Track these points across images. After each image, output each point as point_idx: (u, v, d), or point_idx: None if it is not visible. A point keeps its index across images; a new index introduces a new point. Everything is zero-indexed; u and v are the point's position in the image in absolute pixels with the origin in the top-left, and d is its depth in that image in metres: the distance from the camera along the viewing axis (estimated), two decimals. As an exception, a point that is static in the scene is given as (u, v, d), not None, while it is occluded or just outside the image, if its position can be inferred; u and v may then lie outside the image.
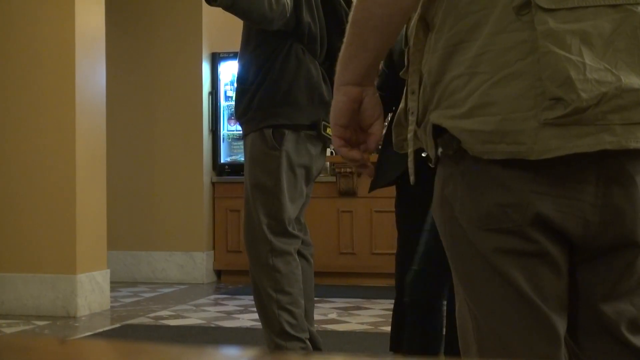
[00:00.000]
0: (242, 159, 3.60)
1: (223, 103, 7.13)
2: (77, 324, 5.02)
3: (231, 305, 5.71)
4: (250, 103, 3.19)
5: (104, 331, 4.77)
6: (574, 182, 1.23)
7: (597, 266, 1.28)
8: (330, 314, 5.22)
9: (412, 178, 1.37)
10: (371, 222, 6.53)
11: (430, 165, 1.34)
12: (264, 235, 3.18)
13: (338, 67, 1.38)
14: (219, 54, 7.06)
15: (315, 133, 3.23)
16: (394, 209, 3.13)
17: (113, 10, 6.47)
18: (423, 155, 1.34)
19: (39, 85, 5.28)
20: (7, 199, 5.34)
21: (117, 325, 4.95)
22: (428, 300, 2.83)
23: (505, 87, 1.20)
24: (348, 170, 6.43)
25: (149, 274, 6.95)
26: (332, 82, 1.44)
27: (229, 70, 6.95)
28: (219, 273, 7.05)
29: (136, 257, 6.99)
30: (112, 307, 5.56)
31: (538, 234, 1.24)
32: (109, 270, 5.57)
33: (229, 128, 7.15)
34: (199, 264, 6.89)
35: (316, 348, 3.29)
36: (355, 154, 1.40)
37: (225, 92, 7.14)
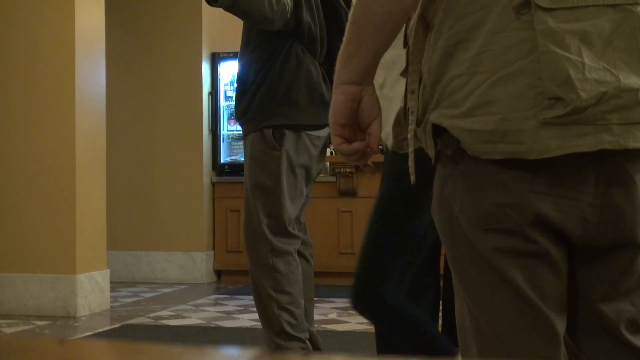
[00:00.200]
0: (242, 159, 3.61)
1: (223, 103, 7.12)
2: (77, 324, 5.02)
3: (231, 305, 5.71)
4: (251, 103, 3.20)
5: (103, 331, 4.77)
6: (573, 182, 1.23)
7: (597, 266, 1.28)
8: (330, 314, 5.22)
9: (412, 178, 1.37)
10: (371, 222, 6.52)
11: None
12: (264, 235, 3.18)
13: (337, 66, 1.38)
14: (219, 54, 7.06)
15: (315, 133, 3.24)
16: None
17: (113, 10, 6.47)
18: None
19: (39, 85, 5.28)
20: (7, 199, 5.34)
21: (117, 325, 4.95)
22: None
23: (504, 87, 1.20)
24: (348, 170, 6.43)
25: (148, 274, 6.95)
26: (332, 82, 1.44)
27: (229, 70, 6.94)
28: (218, 273, 7.05)
29: (136, 257, 6.99)
30: (112, 307, 5.56)
31: (538, 234, 1.24)
32: (108, 270, 5.57)
33: (229, 128, 7.15)
34: (198, 264, 6.89)
35: (316, 348, 3.29)
36: (356, 145, 1.40)
37: (225, 92, 7.14)
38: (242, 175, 3.41)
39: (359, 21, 1.33)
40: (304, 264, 3.32)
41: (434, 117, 1.27)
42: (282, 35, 3.15)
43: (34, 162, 5.27)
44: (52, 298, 5.21)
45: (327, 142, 3.34)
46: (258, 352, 0.58)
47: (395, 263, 2.45)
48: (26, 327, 4.87)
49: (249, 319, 5.04)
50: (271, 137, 3.17)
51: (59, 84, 5.24)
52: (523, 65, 1.20)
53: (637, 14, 1.20)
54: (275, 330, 3.17)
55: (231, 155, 7.13)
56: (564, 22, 1.19)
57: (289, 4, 3.08)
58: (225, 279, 6.99)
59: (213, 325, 4.93)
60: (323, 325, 4.74)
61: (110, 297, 5.61)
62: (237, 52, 3.44)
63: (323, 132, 3.27)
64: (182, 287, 6.68)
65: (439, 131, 1.28)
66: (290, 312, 3.15)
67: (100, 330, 4.82)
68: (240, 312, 5.39)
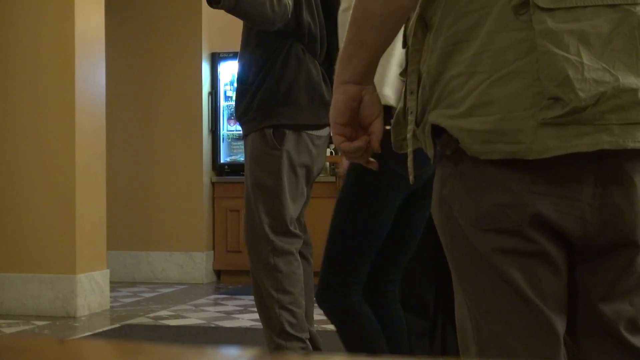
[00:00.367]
0: (242, 159, 3.61)
1: (223, 103, 7.12)
2: (76, 324, 5.02)
3: (231, 305, 5.71)
4: (251, 103, 3.20)
5: (103, 331, 4.77)
6: (572, 182, 1.23)
7: (596, 266, 1.28)
8: (330, 314, 5.22)
9: (411, 178, 1.38)
10: (371, 222, 6.52)
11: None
12: (265, 234, 3.19)
13: (337, 66, 1.38)
14: (219, 54, 7.06)
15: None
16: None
17: (113, 10, 6.47)
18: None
19: (38, 86, 5.28)
20: (7, 199, 5.34)
21: (117, 325, 4.95)
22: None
23: (503, 87, 1.21)
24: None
25: (148, 274, 6.95)
26: (332, 82, 1.45)
27: (229, 70, 6.94)
28: (218, 273, 7.05)
29: (136, 257, 6.99)
30: (111, 307, 5.56)
31: (537, 234, 1.24)
32: (108, 271, 5.57)
33: (229, 128, 7.15)
34: (198, 264, 6.89)
35: (316, 348, 3.30)
36: (357, 143, 1.40)
37: (225, 92, 7.14)
38: (242, 175, 3.41)
39: (358, 21, 1.33)
40: (305, 264, 3.32)
41: (433, 117, 1.27)
42: (282, 35, 3.15)
43: (34, 162, 5.27)
44: (51, 298, 5.21)
45: (327, 142, 3.35)
46: (258, 352, 0.58)
47: (358, 260, 2.41)
48: (26, 327, 4.87)
49: (249, 319, 5.04)
50: (272, 137, 3.17)
51: (58, 84, 5.24)
52: (522, 65, 1.20)
53: (636, 14, 1.20)
54: (275, 330, 3.17)
55: (231, 155, 7.13)
56: (563, 22, 1.19)
57: (290, 4, 3.09)
58: (225, 279, 6.99)
59: (213, 325, 4.93)
60: (323, 325, 4.74)
61: (110, 297, 5.61)
62: (237, 52, 3.45)
63: (324, 132, 3.27)
64: (182, 287, 6.68)
65: (438, 131, 1.28)
66: (291, 312, 3.15)
67: (100, 330, 4.82)
68: (240, 312, 5.39)
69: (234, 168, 6.90)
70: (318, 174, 3.40)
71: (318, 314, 4.70)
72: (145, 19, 7.02)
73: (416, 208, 2.48)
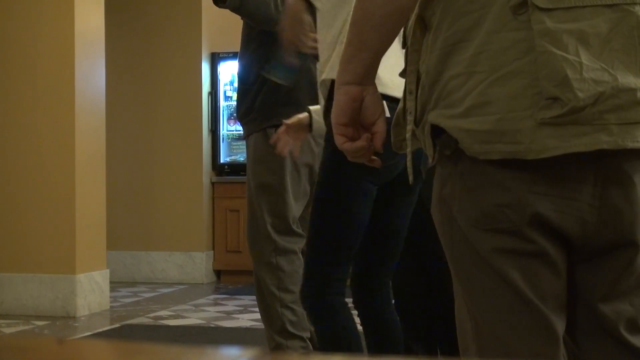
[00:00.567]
0: (242, 159, 3.62)
1: (223, 103, 7.13)
2: (76, 324, 5.02)
3: (231, 305, 5.71)
4: (253, 103, 3.21)
5: (103, 331, 4.77)
6: (571, 182, 1.23)
7: (596, 266, 1.28)
8: (329, 314, 5.21)
9: (410, 178, 1.38)
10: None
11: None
12: (268, 234, 3.21)
13: (339, 67, 1.38)
14: (219, 54, 7.06)
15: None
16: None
17: (113, 10, 6.47)
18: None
19: (38, 86, 5.28)
20: (7, 199, 5.34)
21: (117, 325, 4.95)
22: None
23: (502, 87, 1.21)
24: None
25: (148, 274, 6.95)
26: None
27: (229, 70, 6.94)
28: (218, 273, 7.05)
29: (136, 257, 6.99)
30: (111, 307, 5.56)
31: (536, 234, 1.24)
32: (108, 271, 5.57)
33: (229, 128, 7.15)
34: (198, 264, 6.89)
35: (316, 348, 3.30)
36: (358, 143, 1.41)
37: (225, 92, 7.14)
38: (242, 175, 3.43)
39: (358, 22, 1.33)
40: (306, 264, 3.33)
41: (433, 117, 1.28)
42: None
43: (34, 162, 5.27)
44: (51, 298, 5.21)
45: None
46: (258, 352, 0.58)
47: (337, 252, 2.37)
48: (26, 327, 4.87)
49: (249, 319, 5.04)
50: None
51: (58, 84, 5.24)
52: (520, 66, 1.20)
53: (635, 14, 1.20)
54: (276, 328, 3.17)
55: (231, 155, 7.13)
56: (562, 22, 1.19)
57: None
58: (224, 279, 6.99)
59: (212, 326, 4.93)
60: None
61: (110, 297, 5.61)
62: (237, 52, 3.45)
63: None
64: (182, 287, 6.68)
65: (437, 131, 1.28)
66: (293, 311, 3.16)
67: (100, 330, 4.82)
68: (240, 312, 5.39)
69: (234, 168, 6.90)
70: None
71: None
72: (145, 19, 7.02)
73: (392, 205, 2.45)
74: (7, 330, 4.79)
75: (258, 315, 3.35)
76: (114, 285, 6.22)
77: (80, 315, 5.21)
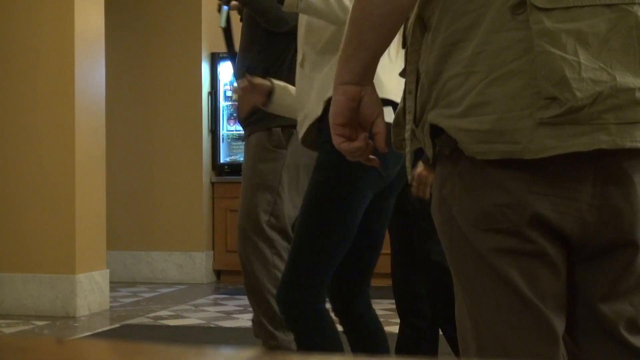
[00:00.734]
0: (242, 159, 3.63)
1: (222, 103, 7.13)
2: (76, 324, 5.02)
3: (230, 305, 5.71)
4: None
5: (103, 331, 4.77)
6: (571, 182, 1.23)
7: (596, 266, 1.28)
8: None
9: (409, 177, 1.38)
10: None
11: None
12: (262, 230, 3.23)
13: (337, 67, 1.38)
14: (219, 54, 7.06)
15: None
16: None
17: (113, 10, 6.47)
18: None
19: (38, 86, 5.28)
20: (7, 199, 5.34)
21: (117, 325, 4.95)
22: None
23: (501, 86, 1.21)
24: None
25: (148, 274, 6.95)
26: None
27: (229, 70, 6.94)
28: (218, 273, 7.05)
29: (135, 257, 6.99)
30: (111, 307, 5.56)
31: (536, 234, 1.24)
32: (108, 271, 5.57)
33: (229, 128, 7.15)
34: (198, 264, 6.89)
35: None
36: (356, 144, 1.40)
37: (225, 92, 7.14)
38: (242, 175, 3.43)
39: (357, 22, 1.33)
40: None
41: (432, 117, 1.28)
42: (289, 37, 3.17)
43: (34, 162, 5.27)
44: (51, 298, 5.21)
45: None
46: (257, 352, 0.58)
47: (325, 262, 2.26)
48: (25, 327, 4.87)
49: (249, 319, 5.03)
50: (279, 136, 3.20)
51: (58, 84, 5.24)
52: (519, 65, 1.20)
53: (634, 14, 1.20)
54: (268, 315, 3.20)
55: (231, 155, 7.13)
56: (560, 22, 1.19)
57: None
58: (224, 279, 6.99)
59: (212, 325, 4.93)
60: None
61: (110, 297, 5.61)
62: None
63: None
64: (182, 287, 6.68)
65: (437, 131, 1.28)
66: None
67: (100, 330, 4.82)
68: (240, 312, 5.39)
69: (234, 168, 6.89)
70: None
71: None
72: (145, 19, 7.02)
73: (371, 210, 2.34)
74: (7, 330, 4.79)
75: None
76: (114, 285, 6.22)
77: (80, 315, 5.21)
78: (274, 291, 3.19)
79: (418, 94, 1.32)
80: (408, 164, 1.36)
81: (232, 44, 2.92)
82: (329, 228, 2.25)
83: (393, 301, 3.10)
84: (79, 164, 5.24)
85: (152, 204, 6.96)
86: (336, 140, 1.41)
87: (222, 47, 7.04)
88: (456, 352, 2.82)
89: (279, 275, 3.19)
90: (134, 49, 7.03)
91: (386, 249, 6.30)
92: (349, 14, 1.36)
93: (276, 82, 2.61)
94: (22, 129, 5.30)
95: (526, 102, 1.19)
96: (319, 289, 2.28)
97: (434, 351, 3.10)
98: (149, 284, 6.81)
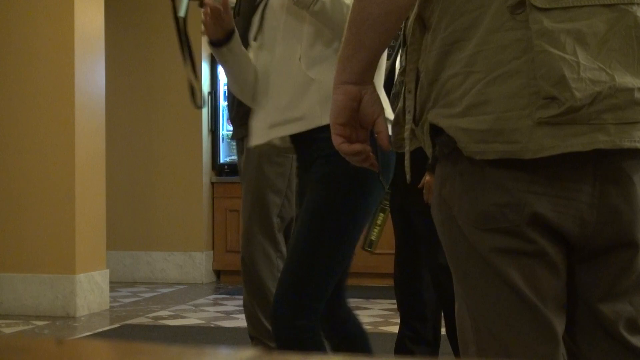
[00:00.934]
0: (242, 159, 3.62)
1: (222, 103, 7.13)
2: (76, 324, 5.02)
3: (230, 305, 5.71)
4: None
5: (103, 331, 4.77)
6: (570, 182, 1.23)
7: (595, 266, 1.28)
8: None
9: (408, 177, 1.37)
10: (371, 222, 6.52)
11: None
12: (273, 233, 3.24)
13: (337, 67, 1.38)
14: (219, 54, 7.06)
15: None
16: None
17: (113, 10, 6.47)
18: None
19: (38, 85, 5.28)
20: (7, 199, 5.33)
21: (117, 325, 4.95)
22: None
23: (500, 86, 1.21)
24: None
25: (148, 274, 6.95)
26: None
27: (229, 70, 6.94)
28: (218, 273, 7.05)
29: (135, 257, 6.99)
30: (111, 307, 5.56)
31: (535, 233, 1.24)
32: (108, 271, 5.57)
33: (229, 128, 7.14)
34: (198, 264, 6.89)
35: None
36: (356, 146, 1.40)
37: (225, 92, 7.14)
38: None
39: (356, 22, 1.33)
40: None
41: (432, 116, 1.28)
42: None
43: (34, 162, 5.27)
44: (51, 298, 5.21)
45: None
46: (257, 352, 0.58)
47: (327, 281, 2.11)
48: (25, 327, 4.87)
49: (249, 319, 5.04)
50: (287, 139, 3.21)
51: (58, 84, 5.24)
52: (518, 65, 1.20)
53: (632, 14, 1.21)
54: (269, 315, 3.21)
55: (231, 155, 7.13)
56: (559, 22, 1.19)
57: None
58: (224, 279, 6.99)
59: (212, 325, 4.93)
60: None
61: (110, 297, 5.61)
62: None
63: None
64: (182, 287, 6.68)
65: (436, 131, 1.28)
66: None
67: (100, 330, 4.82)
68: (240, 312, 5.38)
69: (234, 168, 6.89)
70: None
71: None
72: (145, 19, 7.02)
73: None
74: (7, 330, 4.79)
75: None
76: (114, 285, 6.22)
77: (80, 315, 5.21)
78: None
79: (417, 94, 1.32)
80: (407, 163, 1.36)
81: (187, 38, 2.80)
82: (337, 249, 2.09)
83: (393, 301, 3.11)
84: (79, 164, 5.24)
85: (152, 204, 6.96)
86: (336, 141, 1.41)
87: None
88: (457, 354, 2.82)
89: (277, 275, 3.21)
90: (133, 48, 7.03)
91: (386, 248, 6.29)
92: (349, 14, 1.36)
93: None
94: (22, 128, 5.30)
95: (525, 102, 1.19)
96: (318, 310, 2.12)
97: (434, 352, 3.10)
98: (149, 284, 6.81)
